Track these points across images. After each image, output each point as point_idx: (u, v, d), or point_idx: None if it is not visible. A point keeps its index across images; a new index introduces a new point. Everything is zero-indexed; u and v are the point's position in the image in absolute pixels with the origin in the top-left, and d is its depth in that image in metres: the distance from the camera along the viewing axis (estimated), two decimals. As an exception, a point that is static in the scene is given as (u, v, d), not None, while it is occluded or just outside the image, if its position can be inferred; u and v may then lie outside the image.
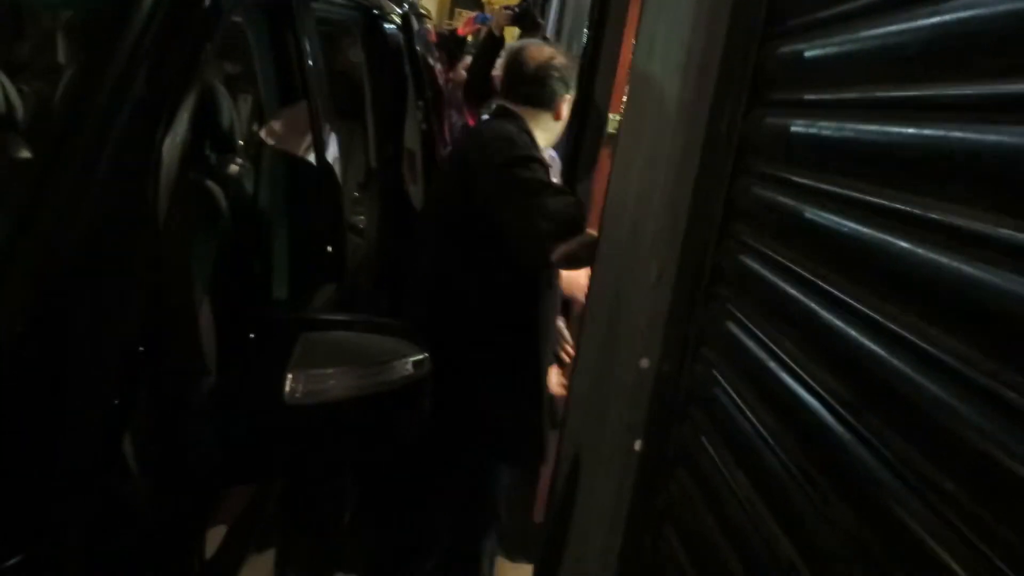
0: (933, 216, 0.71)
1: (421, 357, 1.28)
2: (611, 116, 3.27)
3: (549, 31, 4.99)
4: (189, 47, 1.32)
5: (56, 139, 1.21)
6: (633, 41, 2.14)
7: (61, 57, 2.22)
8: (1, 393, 1.01)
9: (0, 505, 0.97)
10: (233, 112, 2.04)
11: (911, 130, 0.76)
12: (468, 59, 5.31)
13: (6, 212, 1.22)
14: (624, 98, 2.17)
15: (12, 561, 0.94)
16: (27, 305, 1.06)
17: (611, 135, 3.24)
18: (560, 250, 2.12)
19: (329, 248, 2.36)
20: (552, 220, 2.14)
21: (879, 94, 0.86)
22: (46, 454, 1.02)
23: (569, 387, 1.98)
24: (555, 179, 2.77)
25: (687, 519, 1.29)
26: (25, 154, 1.62)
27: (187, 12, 1.32)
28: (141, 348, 1.14)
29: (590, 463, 1.75)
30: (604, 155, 3.05)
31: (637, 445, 1.43)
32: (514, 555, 3.06)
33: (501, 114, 2.60)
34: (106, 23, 1.30)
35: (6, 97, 1.78)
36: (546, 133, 2.59)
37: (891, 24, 0.84)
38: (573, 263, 2.26)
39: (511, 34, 4.77)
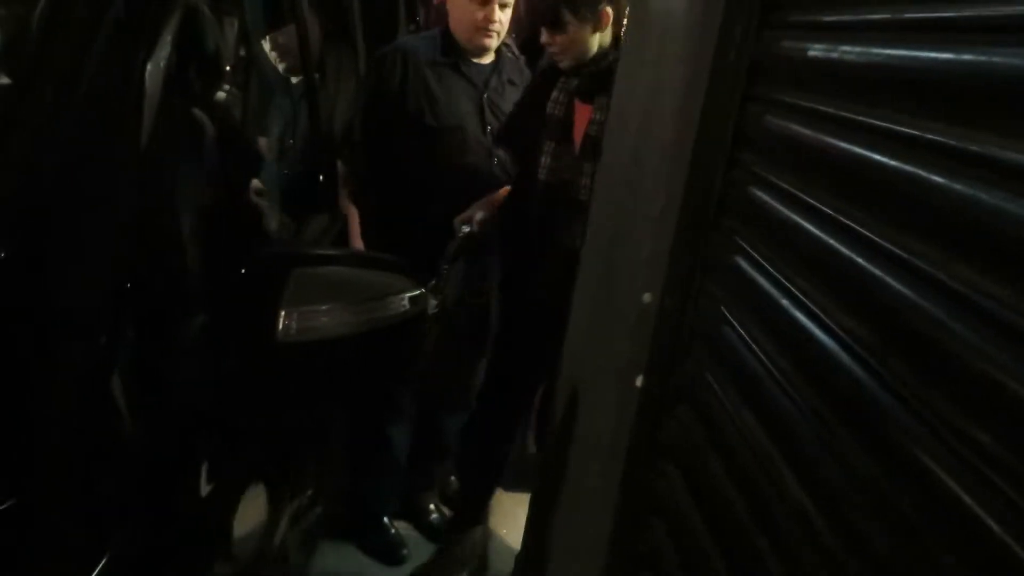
0: (971, 148, 0.66)
1: (417, 293, 1.24)
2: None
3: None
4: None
5: (34, 64, 1.15)
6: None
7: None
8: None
9: None
10: (219, 36, 1.96)
11: (948, 55, 0.71)
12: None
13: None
14: (624, 20, 2.09)
15: (5, 505, 0.91)
16: (6, 241, 1.02)
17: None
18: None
19: (321, 177, 2.31)
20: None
21: (910, 15, 0.80)
22: (33, 396, 0.99)
23: (567, 320, 1.95)
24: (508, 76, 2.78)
25: (689, 456, 1.27)
26: (3, 80, 1.55)
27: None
28: (128, 285, 1.09)
29: (589, 396, 1.72)
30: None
31: (638, 380, 1.40)
32: (510, 485, 3.06)
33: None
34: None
35: (-20, 19, 1.70)
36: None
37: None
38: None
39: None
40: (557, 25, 2.29)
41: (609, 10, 2.27)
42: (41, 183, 1.06)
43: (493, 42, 2.62)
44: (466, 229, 2.51)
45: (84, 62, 1.13)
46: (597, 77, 2.30)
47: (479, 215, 2.52)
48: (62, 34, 1.13)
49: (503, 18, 2.60)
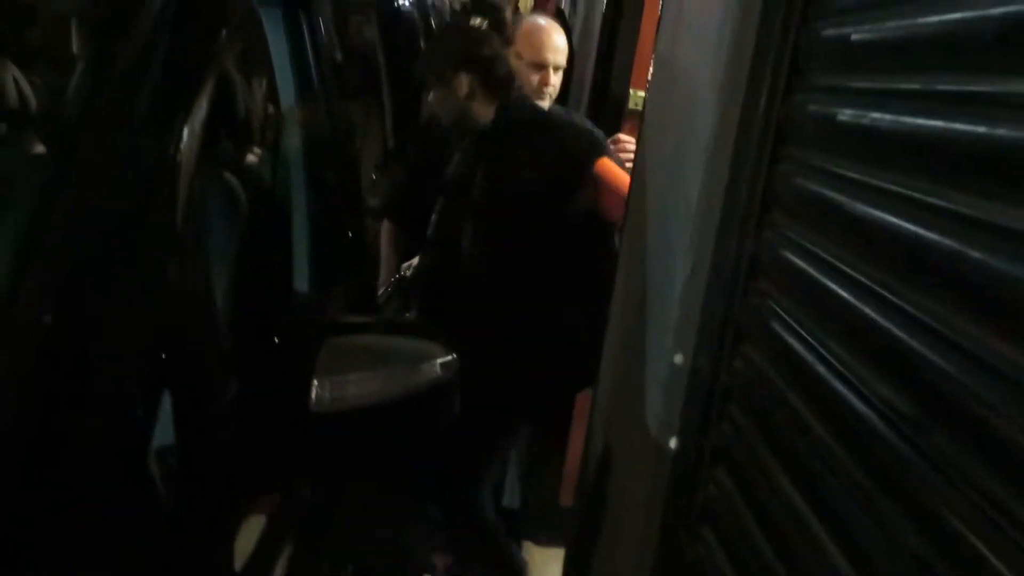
0: (1010, 225, 0.65)
1: (449, 359, 1.24)
2: (632, 92, 3.19)
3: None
4: (205, 32, 1.27)
5: (71, 133, 1.17)
6: (658, 11, 2.07)
7: (75, 47, 2.17)
8: (20, 407, 0.97)
9: (23, 521, 0.94)
10: (249, 99, 1.99)
11: (982, 129, 0.71)
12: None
13: (19, 210, 1.18)
14: (649, 75, 2.11)
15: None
16: (41, 312, 1.03)
17: (632, 112, 3.16)
18: None
19: (350, 234, 2.32)
20: None
21: (944, 87, 0.80)
22: (68, 468, 0.99)
23: (596, 380, 1.94)
24: None
25: (727, 521, 1.25)
26: (39, 149, 1.58)
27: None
28: (163, 355, 1.10)
29: (621, 458, 1.71)
30: (628, 131, 2.98)
31: (672, 442, 1.39)
32: (542, 539, 3.03)
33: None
34: (120, 9, 1.26)
35: (18, 90, 1.74)
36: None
37: (958, 10, 0.77)
38: None
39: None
40: (424, 85, 2.47)
41: (464, 79, 2.35)
42: (79, 255, 1.07)
43: (546, 104, 2.68)
44: (406, 273, 2.58)
45: (122, 132, 1.14)
46: (476, 140, 2.42)
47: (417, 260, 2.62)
48: (100, 103, 1.15)
49: (556, 81, 2.67)
